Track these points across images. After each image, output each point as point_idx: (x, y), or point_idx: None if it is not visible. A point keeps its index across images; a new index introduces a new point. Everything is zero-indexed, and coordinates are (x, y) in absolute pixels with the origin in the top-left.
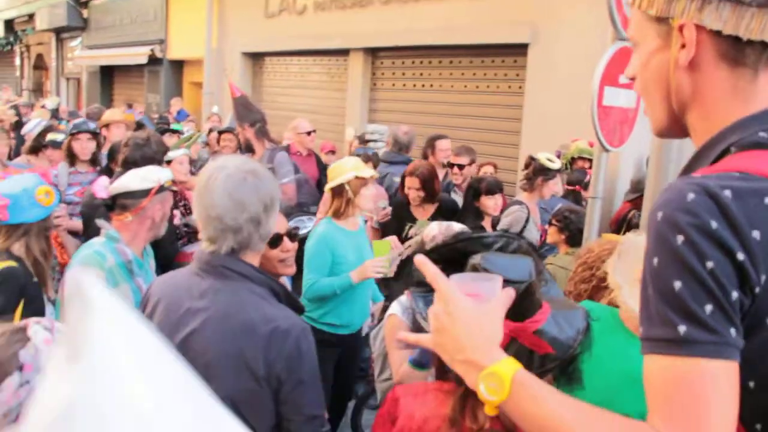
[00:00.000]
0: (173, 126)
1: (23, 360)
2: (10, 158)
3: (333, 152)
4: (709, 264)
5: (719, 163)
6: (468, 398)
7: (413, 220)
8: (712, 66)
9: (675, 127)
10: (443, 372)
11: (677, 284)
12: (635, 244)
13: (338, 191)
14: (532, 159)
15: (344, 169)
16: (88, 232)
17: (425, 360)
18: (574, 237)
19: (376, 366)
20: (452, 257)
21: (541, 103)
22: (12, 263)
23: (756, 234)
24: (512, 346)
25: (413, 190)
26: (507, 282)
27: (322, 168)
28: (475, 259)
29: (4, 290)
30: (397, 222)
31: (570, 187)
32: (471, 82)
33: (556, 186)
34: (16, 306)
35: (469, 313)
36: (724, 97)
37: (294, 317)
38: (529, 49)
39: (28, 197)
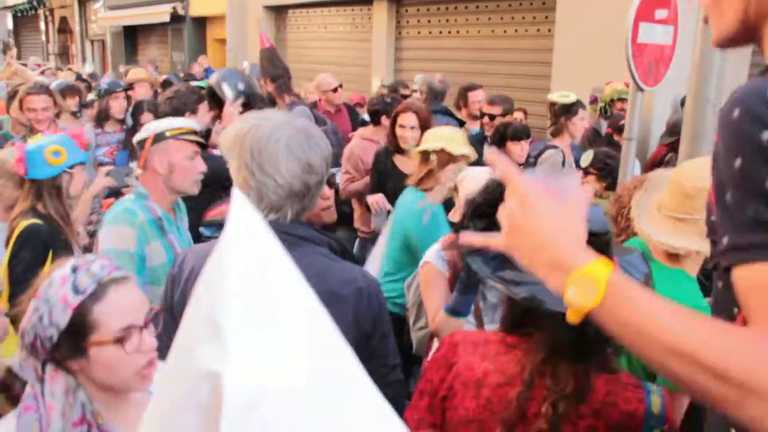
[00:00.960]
0: (201, 83)
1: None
2: None
3: (361, 105)
4: None
5: None
6: (549, 361)
7: (399, 175)
8: None
9: (742, 38)
10: (509, 325)
11: None
12: (662, 177)
13: (424, 158)
14: (551, 104)
15: (437, 137)
16: None
17: (461, 307)
18: (615, 184)
19: (410, 315)
20: None
21: (571, 46)
22: (36, 221)
23: None
24: None
25: (408, 129)
26: (591, 235)
27: (356, 120)
28: None
29: (27, 246)
30: (378, 176)
31: (608, 131)
32: (498, 27)
33: (583, 121)
34: (44, 259)
35: (551, 209)
36: None
37: (366, 273)
38: None
39: (39, 154)
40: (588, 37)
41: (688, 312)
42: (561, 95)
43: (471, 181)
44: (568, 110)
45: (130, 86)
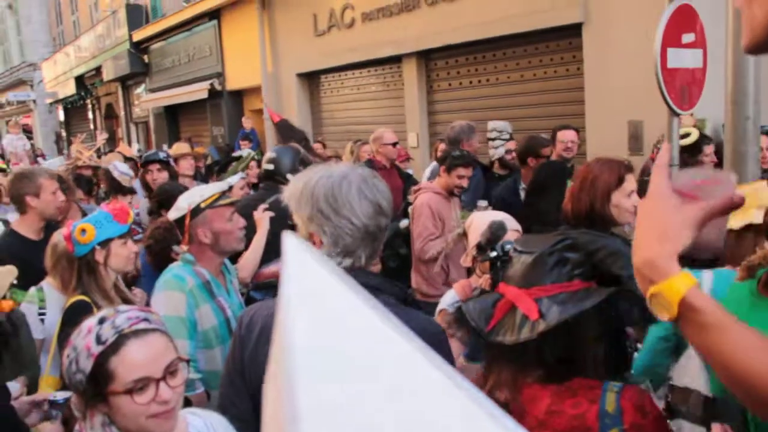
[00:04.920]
0: (242, 152)
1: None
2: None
3: (408, 159)
4: None
5: None
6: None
7: None
8: None
9: None
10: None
11: None
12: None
13: (741, 234)
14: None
15: (761, 200)
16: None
17: (478, 354)
18: None
19: None
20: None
21: (601, 81)
22: (82, 297)
23: None
24: None
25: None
26: None
27: (405, 177)
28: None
29: (71, 323)
30: None
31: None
32: (527, 71)
33: (710, 156)
34: None
35: (660, 210)
36: None
37: (432, 320)
38: (583, 29)
39: (73, 234)
40: (618, 70)
41: (757, 333)
42: (681, 136)
43: (480, 225)
44: (692, 149)
45: (174, 160)
